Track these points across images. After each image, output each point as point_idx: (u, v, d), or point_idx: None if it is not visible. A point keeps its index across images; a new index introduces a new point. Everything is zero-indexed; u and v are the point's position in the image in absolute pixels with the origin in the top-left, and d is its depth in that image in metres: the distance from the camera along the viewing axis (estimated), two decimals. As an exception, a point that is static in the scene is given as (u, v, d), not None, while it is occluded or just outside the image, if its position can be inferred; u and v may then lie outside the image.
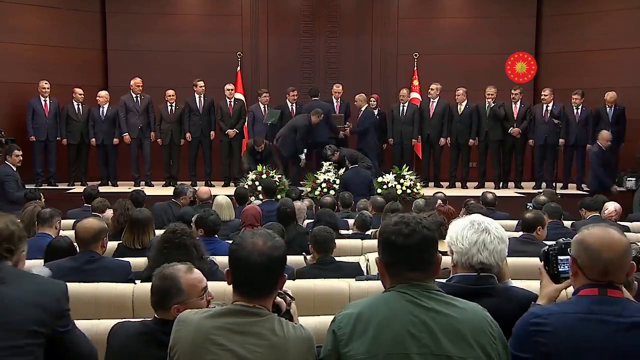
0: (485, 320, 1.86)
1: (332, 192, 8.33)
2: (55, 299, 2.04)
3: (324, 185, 8.54)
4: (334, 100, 10.06)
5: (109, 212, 5.41)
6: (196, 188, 7.57)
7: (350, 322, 1.83)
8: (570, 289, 2.08)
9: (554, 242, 2.25)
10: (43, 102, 9.49)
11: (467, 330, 1.80)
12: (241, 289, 1.92)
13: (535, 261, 4.06)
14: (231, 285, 1.96)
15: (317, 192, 8.47)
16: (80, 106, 9.72)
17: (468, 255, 2.18)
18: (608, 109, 9.41)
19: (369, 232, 5.37)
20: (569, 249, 2.08)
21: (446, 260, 2.29)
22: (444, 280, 2.26)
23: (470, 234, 2.19)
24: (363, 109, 9.73)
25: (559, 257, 2.17)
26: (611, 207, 6.08)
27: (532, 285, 2.78)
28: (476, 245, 2.17)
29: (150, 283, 2.38)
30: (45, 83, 9.43)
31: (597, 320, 1.87)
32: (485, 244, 2.17)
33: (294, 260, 4.23)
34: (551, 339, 1.87)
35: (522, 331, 1.93)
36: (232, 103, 9.94)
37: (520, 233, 4.92)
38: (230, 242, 3.39)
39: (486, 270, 2.19)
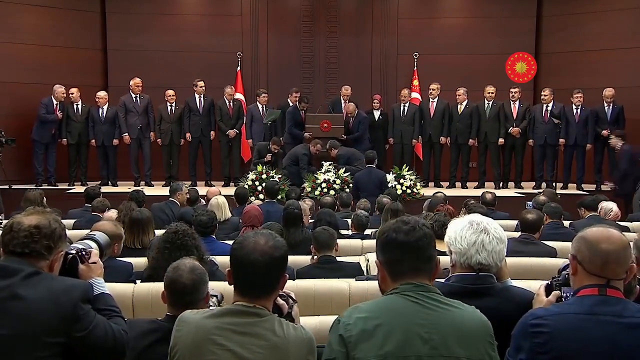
0: (488, 322, 1.87)
1: (332, 192, 8.34)
2: (72, 305, 1.97)
3: (324, 185, 8.54)
4: (342, 102, 10.05)
5: (110, 213, 5.41)
6: (196, 188, 7.60)
7: (358, 326, 1.80)
8: None
9: (557, 275, 2.22)
10: (55, 106, 9.51)
11: (472, 332, 1.81)
12: (242, 289, 1.92)
13: (535, 261, 4.11)
14: (232, 286, 1.96)
15: (317, 192, 8.47)
16: (79, 106, 9.72)
17: (467, 255, 2.17)
18: (606, 106, 9.38)
19: (368, 232, 5.36)
20: None
21: (445, 260, 2.29)
22: (442, 280, 2.26)
23: (469, 235, 2.18)
24: (355, 115, 9.68)
25: (563, 288, 2.12)
26: (615, 208, 6.06)
27: (531, 285, 2.79)
28: (475, 245, 2.17)
29: (153, 283, 2.40)
30: (63, 89, 9.47)
31: (597, 321, 1.87)
32: (484, 244, 2.17)
33: (296, 260, 4.24)
34: (550, 340, 1.87)
35: (521, 332, 1.93)
36: (232, 104, 9.96)
37: (519, 233, 4.92)
38: (229, 242, 3.41)
39: (485, 270, 2.19)
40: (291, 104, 9.90)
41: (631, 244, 2.22)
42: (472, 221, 2.22)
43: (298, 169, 8.92)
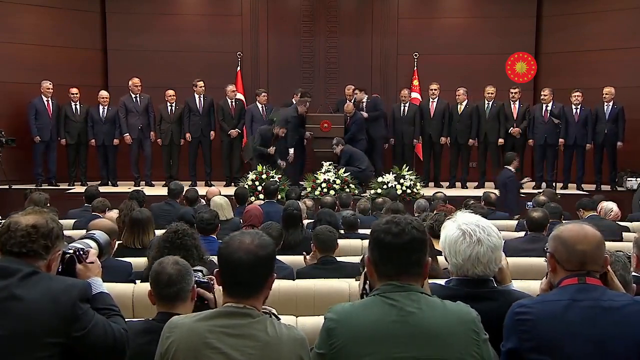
0: (473, 322, 1.86)
1: (332, 192, 8.34)
2: (71, 304, 1.97)
3: (324, 185, 8.54)
4: (347, 102, 10.03)
5: (110, 213, 5.41)
6: (196, 188, 7.59)
7: (334, 333, 1.83)
8: None
9: None
10: (46, 103, 9.50)
11: (450, 333, 1.82)
12: (230, 289, 1.92)
13: (538, 261, 4.09)
14: (220, 286, 1.97)
15: (317, 192, 8.48)
16: (77, 106, 9.72)
17: (463, 269, 2.17)
18: (605, 105, 9.36)
19: (368, 232, 5.34)
20: None
21: (444, 260, 2.29)
22: (443, 282, 2.26)
23: (463, 248, 2.15)
24: (350, 115, 9.60)
25: None
26: (615, 208, 6.06)
27: (531, 286, 2.79)
28: (470, 259, 2.15)
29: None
30: (49, 83, 9.45)
31: (578, 306, 1.95)
32: (479, 257, 2.14)
33: (295, 260, 4.23)
34: (534, 327, 1.94)
35: (508, 322, 2.00)
36: (234, 103, 9.95)
37: (523, 233, 4.90)
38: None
39: (483, 277, 2.19)
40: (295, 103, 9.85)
41: (622, 246, 2.23)
42: (465, 231, 2.17)
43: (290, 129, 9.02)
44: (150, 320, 2.34)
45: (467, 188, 9.90)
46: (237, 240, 1.92)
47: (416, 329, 1.81)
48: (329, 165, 8.79)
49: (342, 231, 5.49)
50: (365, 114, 9.66)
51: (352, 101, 9.89)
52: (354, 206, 6.86)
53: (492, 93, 9.70)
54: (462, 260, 2.15)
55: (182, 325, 1.87)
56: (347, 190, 8.38)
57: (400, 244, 1.88)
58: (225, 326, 1.84)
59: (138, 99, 9.74)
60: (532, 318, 1.95)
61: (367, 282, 2.02)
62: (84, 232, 3.55)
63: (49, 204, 5.85)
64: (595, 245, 2.03)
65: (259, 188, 8.35)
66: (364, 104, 9.80)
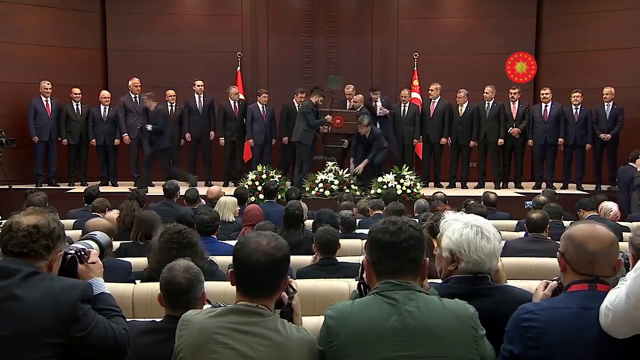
0: (472, 319, 1.88)
1: (327, 192, 8.34)
2: (70, 305, 1.97)
3: (320, 185, 8.55)
4: (347, 102, 9.99)
5: (110, 213, 5.40)
6: (196, 188, 7.58)
7: (333, 332, 1.86)
8: None
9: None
10: (45, 103, 9.51)
11: (449, 331, 1.83)
12: (245, 289, 1.93)
13: (542, 261, 4.08)
14: (234, 286, 1.97)
15: (313, 192, 8.48)
16: (79, 106, 9.72)
17: (480, 265, 2.16)
18: (605, 105, 9.36)
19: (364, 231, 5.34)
20: None
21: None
22: (440, 281, 2.26)
23: (483, 244, 2.15)
24: (358, 110, 9.55)
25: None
26: (615, 208, 6.07)
27: (531, 287, 2.78)
28: (489, 255, 2.16)
29: (153, 283, 2.39)
30: (47, 83, 9.46)
31: (587, 314, 1.90)
32: (495, 251, 2.18)
33: (295, 260, 4.23)
34: (542, 334, 1.89)
35: (513, 326, 1.96)
36: (236, 105, 9.92)
37: (523, 233, 4.89)
38: (229, 242, 3.40)
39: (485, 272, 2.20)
40: (296, 104, 9.81)
41: (622, 246, 2.22)
42: (481, 227, 2.18)
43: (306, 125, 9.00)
44: (156, 322, 2.34)
45: (467, 188, 9.90)
46: (254, 242, 1.93)
47: (415, 328, 1.81)
48: (333, 165, 8.81)
49: (339, 231, 5.49)
50: (387, 110, 9.69)
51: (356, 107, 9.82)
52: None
53: (488, 92, 9.67)
54: (483, 256, 2.15)
55: (194, 320, 1.90)
56: (347, 190, 8.38)
57: (398, 242, 1.90)
58: (236, 323, 1.86)
59: (137, 99, 9.74)
60: (539, 325, 1.90)
61: (365, 271, 2.03)
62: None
63: (47, 204, 5.84)
64: (607, 245, 1.97)
65: (259, 188, 8.35)
66: (378, 104, 9.78)
